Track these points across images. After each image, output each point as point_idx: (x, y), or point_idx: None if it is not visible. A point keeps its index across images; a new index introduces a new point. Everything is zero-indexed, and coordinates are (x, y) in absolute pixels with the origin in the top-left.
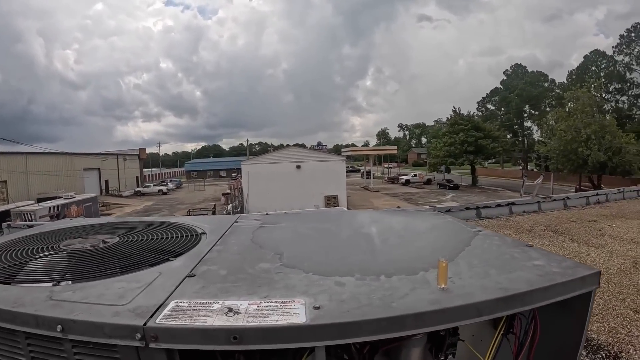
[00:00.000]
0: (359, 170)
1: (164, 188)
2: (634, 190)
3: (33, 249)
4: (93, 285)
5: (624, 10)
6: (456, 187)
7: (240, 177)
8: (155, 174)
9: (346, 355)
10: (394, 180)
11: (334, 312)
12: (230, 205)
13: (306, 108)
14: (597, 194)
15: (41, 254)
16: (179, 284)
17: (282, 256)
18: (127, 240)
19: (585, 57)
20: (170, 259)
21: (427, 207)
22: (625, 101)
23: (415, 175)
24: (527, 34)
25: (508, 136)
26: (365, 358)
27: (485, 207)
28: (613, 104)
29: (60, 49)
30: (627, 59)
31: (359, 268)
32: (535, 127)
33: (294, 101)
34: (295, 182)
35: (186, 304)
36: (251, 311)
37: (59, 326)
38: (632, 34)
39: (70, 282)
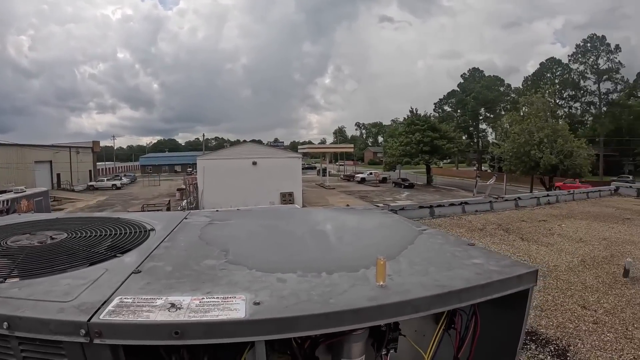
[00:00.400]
0: (316, 168)
1: (117, 183)
2: (583, 192)
3: None
4: (40, 282)
5: (581, 21)
6: (411, 186)
7: (196, 172)
8: (109, 168)
9: (288, 351)
10: (350, 178)
11: (273, 308)
12: (185, 201)
13: (264, 104)
14: (548, 195)
15: None
16: (124, 281)
17: (228, 253)
18: (75, 237)
19: (542, 64)
20: (117, 255)
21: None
22: (578, 107)
23: (371, 173)
24: (486, 39)
25: (463, 137)
26: (306, 353)
27: (439, 206)
28: (566, 109)
29: (14, 34)
30: (581, 67)
31: (303, 265)
32: (490, 130)
33: (252, 97)
34: (251, 178)
35: (130, 300)
36: (193, 307)
37: (5, 323)
38: (588, 44)
39: (17, 279)
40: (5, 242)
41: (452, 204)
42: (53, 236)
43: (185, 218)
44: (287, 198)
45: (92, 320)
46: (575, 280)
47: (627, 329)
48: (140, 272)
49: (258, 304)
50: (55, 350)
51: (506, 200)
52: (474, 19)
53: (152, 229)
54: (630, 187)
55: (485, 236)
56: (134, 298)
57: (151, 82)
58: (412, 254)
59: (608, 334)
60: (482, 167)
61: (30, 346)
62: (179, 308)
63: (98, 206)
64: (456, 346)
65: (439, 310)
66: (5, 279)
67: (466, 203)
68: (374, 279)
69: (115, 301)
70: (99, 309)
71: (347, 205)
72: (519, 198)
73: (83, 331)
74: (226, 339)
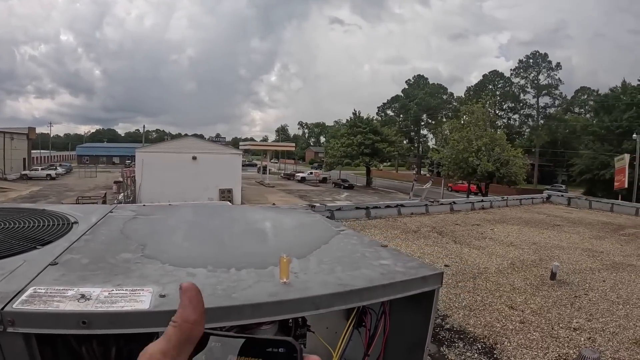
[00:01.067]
0: (256, 165)
1: (52, 173)
2: (516, 199)
3: None
4: None
5: (526, 38)
6: (351, 187)
7: (134, 165)
8: (45, 157)
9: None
10: (290, 177)
11: (177, 301)
12: (122, 194)
13: (208, 98)
14: (482, 200)
15: None
16: (41, 272)
17: (145, 247)
18: None
19: (484, 75)
20: (37, 247)
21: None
22: (517, 119)
23: (311, 173)
24: (433, 48)
25: (404, 141)
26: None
27: (375, 207)
28: (505, 120)
29: None
30: (522, 81)
31: (214, 260)
32: (430, 135)
33: (196, 90)
34: (190, 173)
35: (43, 291)
36: (102, 298)
37: None
38: (531, 60)
39: None
40: None
41: (388, 206)
42: None
43: (111, 212)
44: (226, 195)
45: (5, 309)
46: (504, 282)
47: (552, 328)
48: (57, 264)
49: (164, 296)
50: None
51: (442, 204)
52: (422, 28)
53: (76, 222)
54: (562, 195)
55: (419, 238)
56: (47, 289)
57: (93, 68)
58: (323, 254)
59: (534, 333)
60: (422, 172)
61: None
62: (88, 299)
63: (31, 197)
64: (366, 343)
65: (341, 308)
66: None
67: (402, 205)
68: (278, 276)
69: (29, 291)
70: (12, 298)
71: (273, 204)
72: (454, 202)
73: None
74: (131, 329)
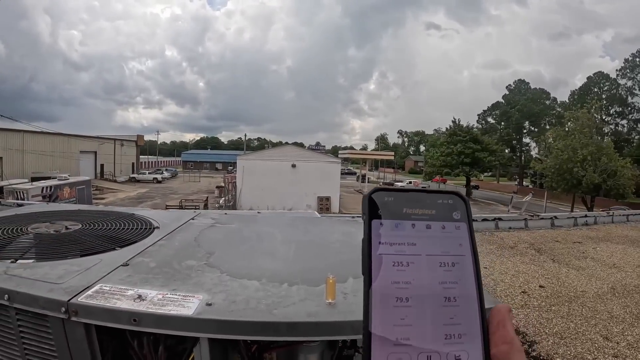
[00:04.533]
0: (355, 174)
1: (158, 176)
2: (623, 215)
3: (5, 229)
4: (42, 266)
5: (631, 34)
6: None
7: (236, 171)
8: (152, 162)
9: (237, 353)
10: (389, 185)
11: (220, 310)
12: (224, 198)
13: (307, 107)
14: (586, 216)
15: (9, 235)
16: (111, 271)
17: (211, 256)
18: (87, 228)
19: (589, 78)
20: (116, 248)
21: None
22: (625, 125)
23: (410, 182)
24: (533, 50)
25: (506, 151)
26: (253, 356)
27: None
28: (612, 126)
29: (65, 28)
30: (630, 83)
31: (271, 274)
32: (533, 144)
33: (296, 99)
34: (289, 180)
35: (108, 288)
36: (155, 300)
37: (6, 295)
38: (637, 59)
39: (31, 261)
40: (27, 228)
41: (485, 219)
42: (68, 226)
43: (192, 219)
44: (324, 202)
45: (72, 300)
46: (601, 309)
47: None
48: (127, 265)
49: (210, 305)
50: (42, 322)
51: (542, 218)
52: (521, 29)
53: (157, 227)
54: None
55: (515, 255)
56: (112, 287)
57: (197, 80)
58: None
59: None
60: (524, 182)
61: (24, 317)
62: (143, 299)
63: (138, 198)
64: None
65: None
66: (17, 260)
67: (500, 219)
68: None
69: (96, 287)
70: (80, 292)
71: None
72: (555, 217)
73: (63, 309)
74: (173, 331)
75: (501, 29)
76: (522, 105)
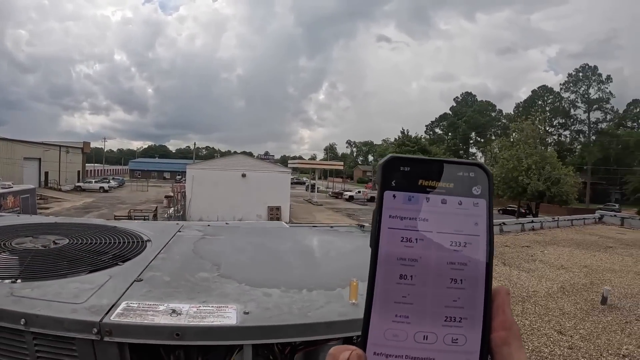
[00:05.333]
0: (305, 183)
1: (105, 185)
2: (568, 219)
3: None
4: (49, 285)
5: (575, 50)
6: None
7: (185, 180)
8: (98, 170)
9: (270, 356)
10: (338, 195)
11: (260, 317)
12: (172, 209)
13: (257, 116)
14: (532, 221)
15: None
16: (128, 287)
17: (219, 267)
18: (77, 243)
19: (534, 91)
20: (119, 263)
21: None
22: (568, 135)
23: (359, 191)
24: (481, 64)
25: None
26: (286, 358)
27: None
28: (556, 137)
29: (13, 27)
30: (573, 96)
31: (285, 281)
32: (480, 154)
33: (245, 108)
34: (239, 190)
35: (135, 305)
36: (191, 313)
37: (23, 320)
38: (580, 74)
39: (28, 281)
40: (10, 244)
41: None
42: (56, 241)
43: (179, 231)
44: (274, 212)
45: (104, 321)
46: (553, 306)
47: (601, 355)
48: (141, 280)
49: (247, 313)
50: (66, 345)
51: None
52: (469, 44)
53: (149, 240)
54: (615, 215)
55: None
56: (139, 303)
57: (146, 86)
58: None
59: (582, 359)
60: None
61: (43, 341)
62: (179, 314)
63: (84, 208)
64: None
65: None
66: (16, 280)
67: None
68: (347, 297)
69: (123, 305)
70: (108, 311)
71: (331, 227)
72: (504, 223)
73: (95, 330)
74: (220, 341)
75: (450, 42)
76: (469, 116)
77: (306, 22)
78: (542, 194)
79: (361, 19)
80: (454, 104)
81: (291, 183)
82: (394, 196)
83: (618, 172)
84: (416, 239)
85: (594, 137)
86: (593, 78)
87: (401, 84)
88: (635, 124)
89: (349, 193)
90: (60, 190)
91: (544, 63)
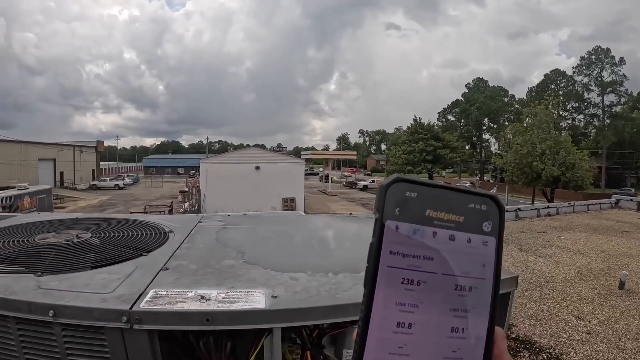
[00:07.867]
0: (318, 174)
1: (120, 183)
2: (584, 205)
3: (9, 241)
4: (75, 277)
5: (586, 33)
6: None
7: (199, 175)
8: (112, 168)
9: (298, 340)
10: (352, 185)
11: (289, 300)
12: (187, 203)
13: (268, 108)
14: (548, 207)
15: (19, 247)
16: (155, 276)
17: (244, 254)
18: (100, 236)
19: (546, 75)
20: (143, 254)
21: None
22: (582, 120)
23: (373, 181)
24: (491, 49)
25: (466, 147)
26: (315, 341)
27: None
28: (570, 121)
29: (20, 30)
30: (586, 79)
31: (311, 266)
32: (493, 140)
33: (256, 101)
34: (253, 182)
35: (164, 293)
36: (220, 298)
37: (51, 311)
38: (593, 56)
39: (54, 274)
40: (34, 239)
41: None
42: (79, 235)
43: (200, 222)
44: (289, 203)
45: (133, 308)
46: (571, 292)
47: (619, 340)
48: (168, 269)
49: (276, 297)
50: (96, 335)
51: (506, 211)
52: (478, 29)
53: (171, 231)
54: (631, 200)
55: None
56: (167, 291)
57: (156, 83)
58: None
59: (601, 344)
60: (485, 177)
61: (72, 332)
62: (208, 300)
63: (100, 206)
64: None
65: None
66: (43, 272)
67: None
68: None
69: (151, 293)
70: (137, 299)
71: (350, 213)
72: (519, 209)
73: (125, 318)
74: (249, 325)
75: (459, 28)
76: (481, 102)
77: (313, 13)
78: (557, 179)
79: (368, 8)
80: (466, 90)
81: (305, 174)
82: (397, 227)
83: (634, 155)
84: (419, 282)
85: (608, 121)
86: (606, 61)
87: (411, 72)
88: None
89: (362, 183)
90: (75, 189)
91: (555, 46)
